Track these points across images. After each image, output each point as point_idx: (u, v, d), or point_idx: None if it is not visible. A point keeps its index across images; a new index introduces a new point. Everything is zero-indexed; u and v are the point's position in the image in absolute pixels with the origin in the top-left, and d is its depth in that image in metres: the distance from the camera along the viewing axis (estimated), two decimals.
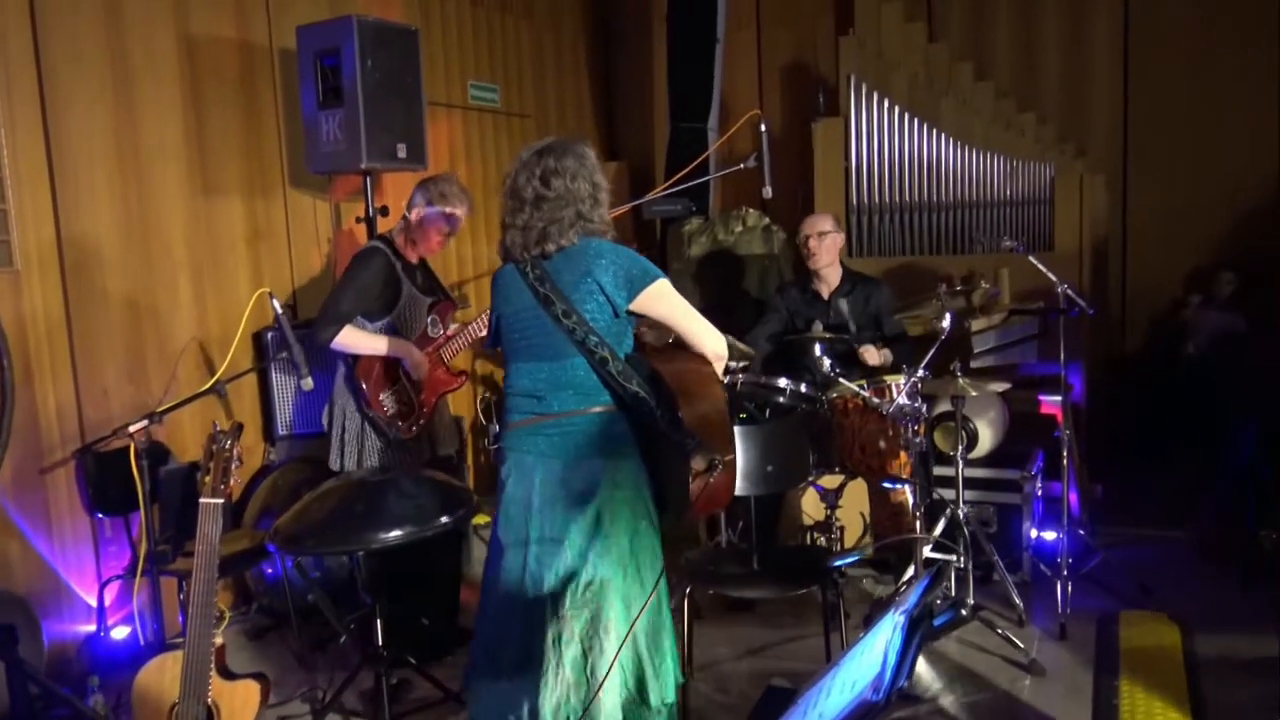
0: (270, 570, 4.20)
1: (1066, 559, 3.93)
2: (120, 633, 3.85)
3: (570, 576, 2.42)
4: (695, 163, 4.45)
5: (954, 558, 3.70)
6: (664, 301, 2.52)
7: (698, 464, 2.35)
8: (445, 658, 3.76)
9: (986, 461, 4.41)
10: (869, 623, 3.88)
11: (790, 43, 7.00)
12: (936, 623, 1.41)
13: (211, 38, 4.43)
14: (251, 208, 4.64)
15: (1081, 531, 4.35)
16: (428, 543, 3.08)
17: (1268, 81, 5.84)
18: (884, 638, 1.40)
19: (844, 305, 4.34)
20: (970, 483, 4.13)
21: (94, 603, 3.84)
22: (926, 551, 3.70)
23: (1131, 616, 3.91)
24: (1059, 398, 4.70)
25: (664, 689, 2.48)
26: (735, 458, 2.48)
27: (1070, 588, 3.87)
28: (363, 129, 4.24)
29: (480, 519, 4.89)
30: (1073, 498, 4.37)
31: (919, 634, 1.38)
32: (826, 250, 4.42)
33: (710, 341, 2.59)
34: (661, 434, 2.42)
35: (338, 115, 4.30)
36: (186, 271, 4.33)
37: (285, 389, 4.48)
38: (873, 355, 4.22)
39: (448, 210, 3.72)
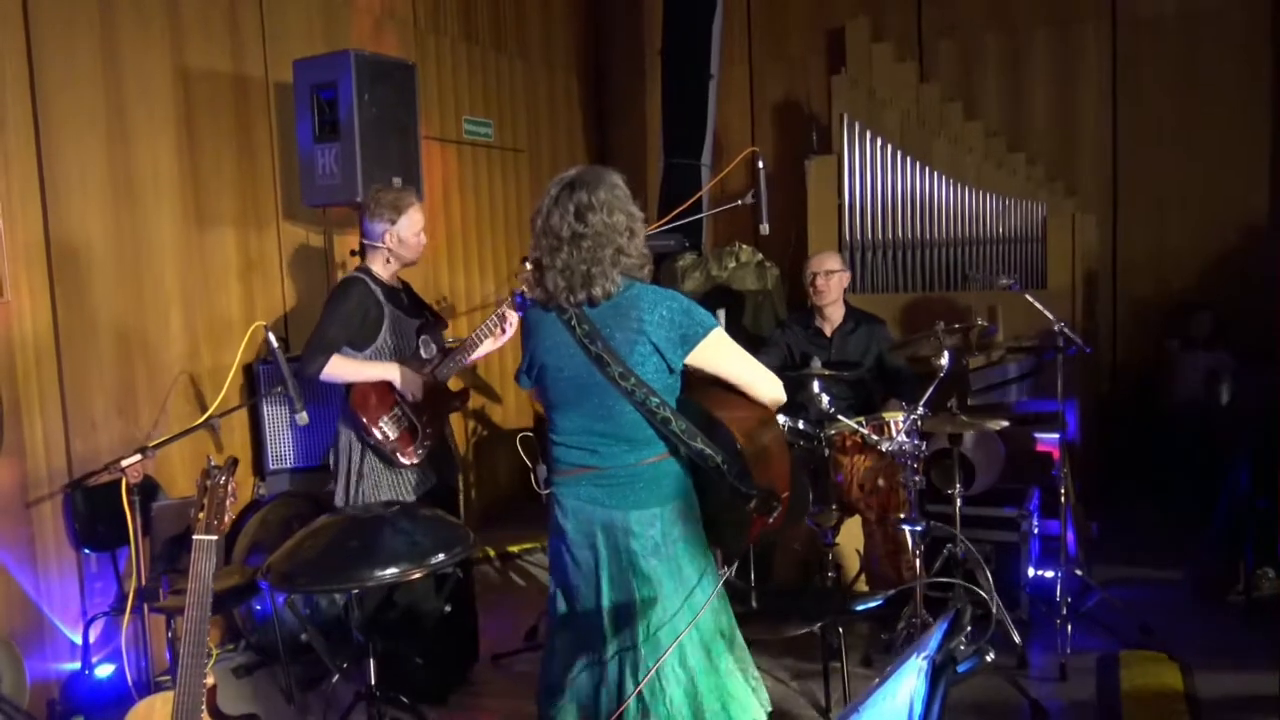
0: (259, 607, 4.13)
1: (1066, 598, 3.91)
2: (104, 671, 3.77)
3: (642, 619, 2.40)
4: (692, 199, 4.46)
5: (954, 599, 3.68)
6: (720, 354, 2.45)
7: (761, 508, 2.34)
8: (449, 698, 3.71)
9: (982, 499, 4.38)
10: (869, 664, 3.84)
11: (782, 80, 7.06)
12: (961, 668, 1.38)
13: (206, 70, 4.42)
14: (245, 240, 4.62)
15: (1078, 570, 4.33)
16: (424, 581, 3.04)
17: (1255, 122, 5.92)
18: (908, 684, 1.37)
19: (848, 345, 4.35)
20: (967, 520, 4.10)
21: (78, 640, 3.76)
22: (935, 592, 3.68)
23: (1131, 656, 3.88)
24: (1053, 435, 4.71)
25: (746, 711, 2.49)
26: (788, 495, 2.47)
27: (1070, 627, 3.85)
28: (359, 162, 4.23)
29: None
30: (1069, 536, 4.35)
31: (944, 680, 1.35)
32: (834, 288, 4.43)
33: (768, 390, 2.54)
34: (724, 482, 2.39)
35: (334, 149, 4.29)
36: (178, 303, 4.29)
37: (277, 422, 4.43)
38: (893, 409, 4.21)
39: (412, 215, 3.67)
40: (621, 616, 2.41)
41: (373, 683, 3.18)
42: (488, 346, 3.81)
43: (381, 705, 3.20)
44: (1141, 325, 6.20)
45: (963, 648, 1.39)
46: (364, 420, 3.50)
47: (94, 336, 3.94)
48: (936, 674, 1.36)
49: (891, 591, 3.11)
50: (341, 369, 3.50)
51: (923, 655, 1.44)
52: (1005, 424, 3.89)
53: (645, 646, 2.38)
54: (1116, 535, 5.11)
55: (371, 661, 3.16)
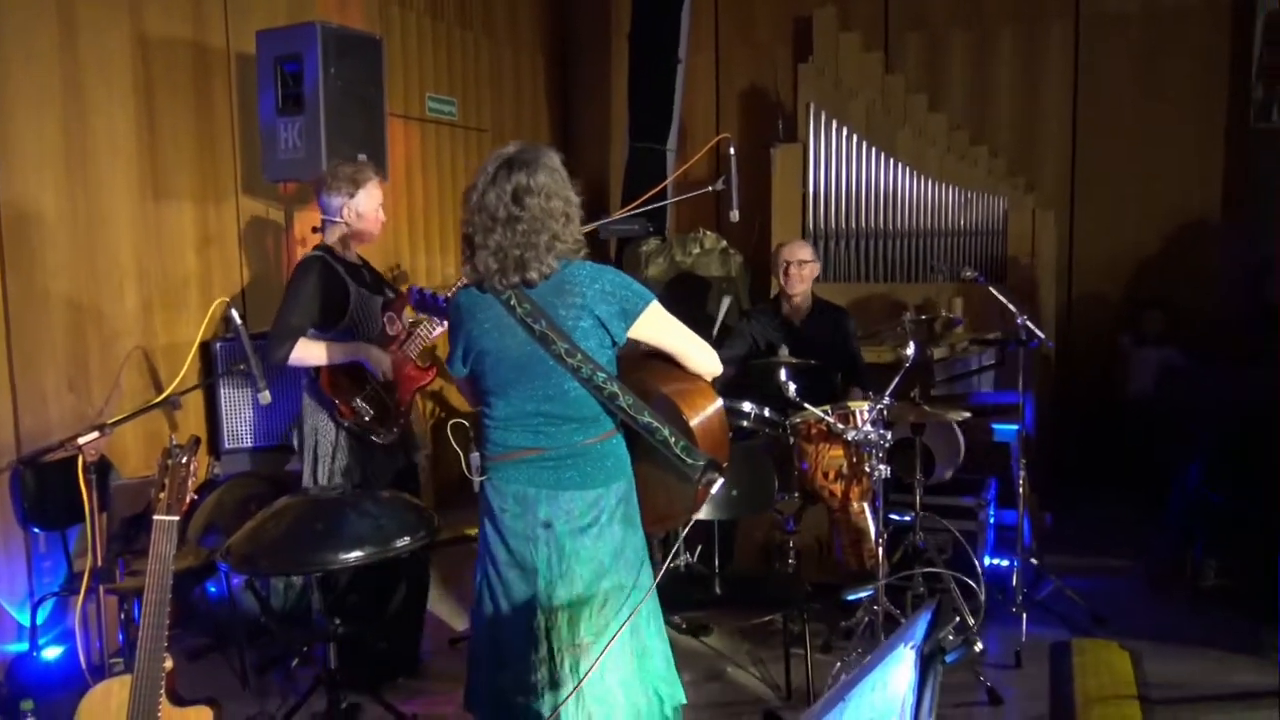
0: (213, 589, 4.05)
1: (1022, 587, 3.97)
2: (52, 652, 3.68)
3: (584, 604, 2.35)
4: (662, 185, 4.44)
5: (918, 589, 3.73)
6: (659, 325, 2.42)
7: (706, 480, 2.33)
8: (399, 679, 3.67)
9: (941, 489, 4.43)
10: (829, 650, 3.87)
11: (748, 68, 7.05)
12: (949, 658, 1.38)
13: (166, 39, 4.30)
14: (202, 213, 4.51)
15: (1033, 560, 4.41)
16: (387, 563, 3.00)
17: (1210, 122, 6.02)
18: (899, 674, 1.37)
19: (813, 334, 4.36)
20: (926, 510, 4.15)
21: (25, 620, 3.66)
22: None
23: (1083, 644, 3.96)
24: (1011, 426, 4.78)
25: (676, 692, 2.49)
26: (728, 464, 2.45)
27: (1025, 615, 3.91)
28: (323, 137, 4.16)
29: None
30: (1024, 526, 4.42)
31: (934, 670, 1.35)
32: (806, 277, 4.44)
33: (704, 361, 2.50)
34: (670, 456, 2.36)
35: (297, 123, 4.21)
36: (133, 276, 4.18)
37: (233, 401, 4.35)
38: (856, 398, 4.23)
39: (371, 190, 3.61)
40: (563, 604, 2.35)
41: (334, 666, 3.14)
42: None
43: (342, 689, 3.17)
44: (1096, 320, 6.30)
45: (950, 638, 1.40)
46: (336, 402, 3.45)
47: (45, 310, 3.82)
48: (926, 664, 1.36)
49: (883, 580, 3.12)
50: (309, 353, 3.43)
51: (910, 645, 1.44)
52: (967, 415, 3.94)
53: (587, 632, 2.33)
54: (1069, 526, 5.19)
55: (332, 645, 3.12)
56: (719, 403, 2.54)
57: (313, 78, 4.12)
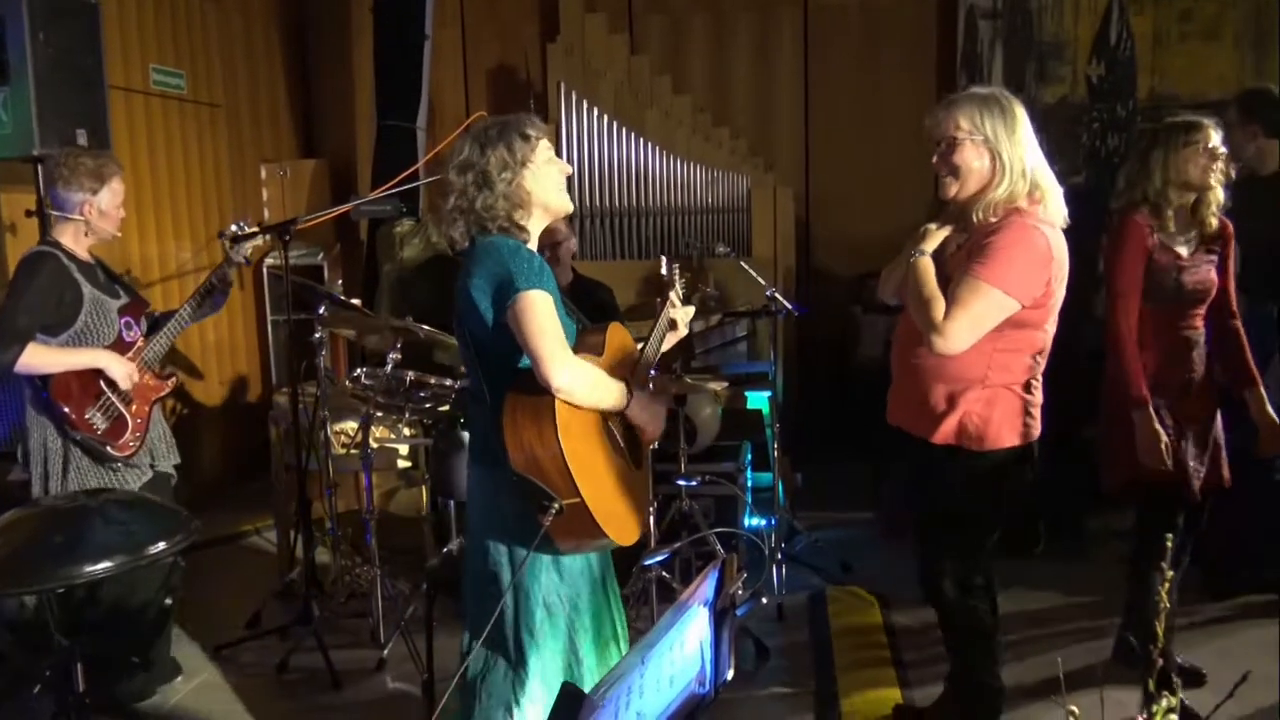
0: None
1: (779, 544, 4.22)
2: None
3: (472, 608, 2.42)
4: (417, 165, 4.33)
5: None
6: (517, 321, 2.18)
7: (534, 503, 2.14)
8: (154, 694, 3.43)
9: (702, 456, 4.63)
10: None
11: (496, 45, 7.00)
12: (740, 612, 1.47)
13: None
14: None
15: (788, 517, 4.70)
16: (135, 571, 2.79)
17: (921, 107, 6.50)
18: (693, 632, 1.44)
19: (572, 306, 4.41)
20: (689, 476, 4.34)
21: None
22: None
23: (836, 593, 4.28)
24: (763, 394, 5.06)
25: None
26: (582, 501, 2.11)
27: (784, 570, 4.17)
28: (34, 110, 3.77)
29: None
30: (778, 486, 4.70)
31: (727, 625, 1.43)
32: (560, 259, 4.49)
33: (542, 370, 2.15)
34: None
35: (2, 94, 3.79)
36: None
37: None
38: None
39: (115, 186, 3.35)
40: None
41: (80, 690, 2.89)
42: (199, 316, 3.58)
43: (92, 714, 2.92)
44: (831, 291, 6.74)
45: (740, 593, 1.49)
46: (67, 412, 3.14)
47: None
48: (719, 620, 1.43)
49: (677, 544, 3.23)
50: (40, 359, 3.12)
51: (703, 603, 1.51)
52: (727, 384, 4.14)
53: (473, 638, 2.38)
54: (817, 484, 5.56)
55: (79, 666, 2.87)
56: (550, 429, 2.12)
57: (18, 44, 3.72)
